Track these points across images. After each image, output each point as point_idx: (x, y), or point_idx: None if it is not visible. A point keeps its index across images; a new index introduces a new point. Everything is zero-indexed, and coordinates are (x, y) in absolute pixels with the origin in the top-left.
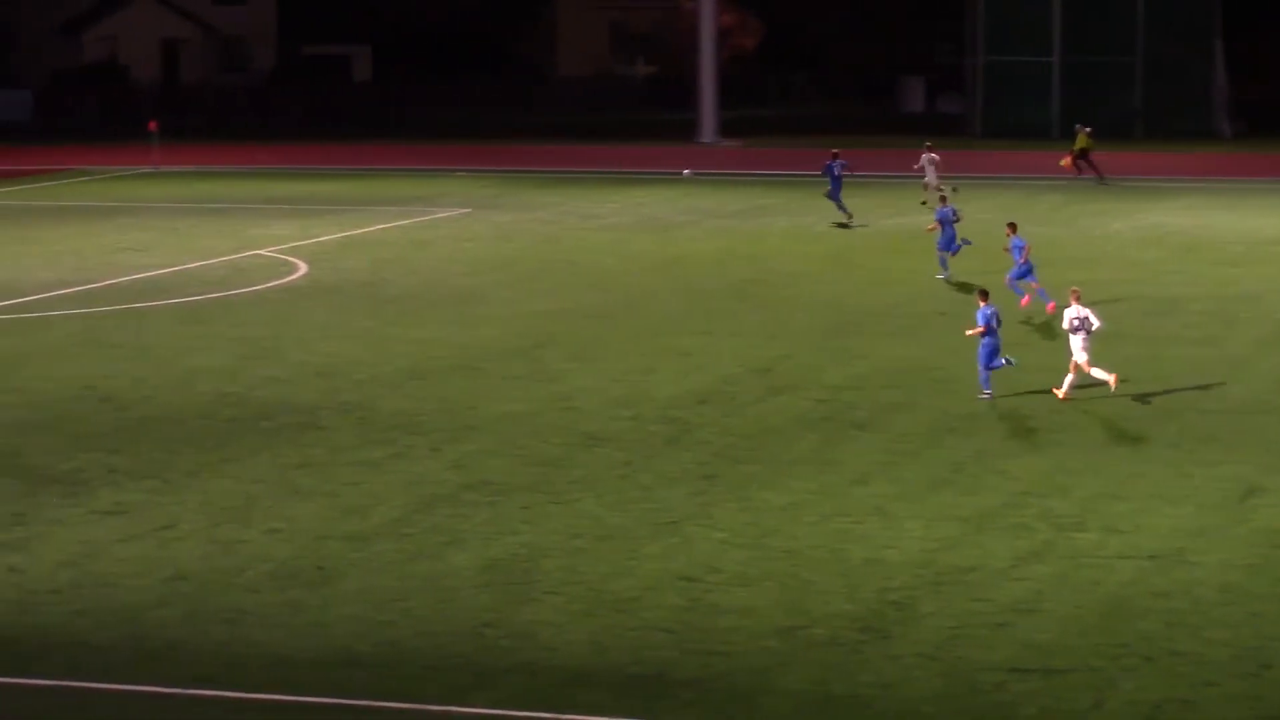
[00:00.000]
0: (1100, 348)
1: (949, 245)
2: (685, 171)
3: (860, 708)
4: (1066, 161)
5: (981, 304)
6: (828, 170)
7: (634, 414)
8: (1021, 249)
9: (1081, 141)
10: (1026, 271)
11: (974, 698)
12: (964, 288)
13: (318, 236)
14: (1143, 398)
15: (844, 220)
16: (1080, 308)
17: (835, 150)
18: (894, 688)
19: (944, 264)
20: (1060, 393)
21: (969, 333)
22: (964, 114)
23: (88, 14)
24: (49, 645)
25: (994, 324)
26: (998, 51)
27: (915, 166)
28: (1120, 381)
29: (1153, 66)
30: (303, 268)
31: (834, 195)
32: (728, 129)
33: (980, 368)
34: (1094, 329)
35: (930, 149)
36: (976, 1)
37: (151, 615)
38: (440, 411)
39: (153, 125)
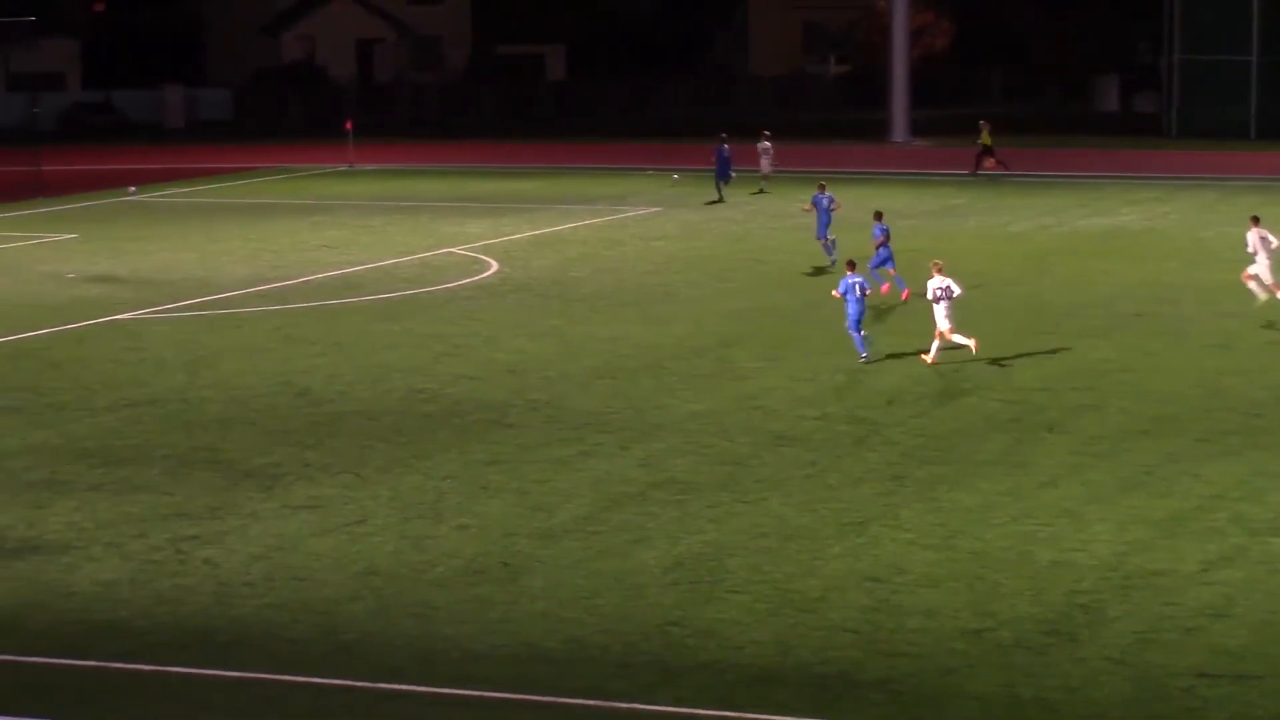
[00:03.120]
0: None
1: (824, 233)
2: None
3: (1047, 711)
4: (991, 162)
5: (848, 273)
6: (717, 153)
7: (822, 414)
8: (881, 234)
9: (985, 138)
10: (886, 259)
11: (1162, 703)
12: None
13: (509, 235)
14: None
15: (717, 199)
16: (942, 278)
17: (723, 134)
18: (1081, 691)
19: (828, 250)
20: (928, 358)
21: (834, 293)
22: (1159, 113)
23: (286, 14)
24: (244, 638)
25: (855, 294)
26: (1194, 50)
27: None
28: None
29: None
30: (494, 266)
31: (719, 175)
32: (920, 128)
33: (853, 334)
34: (955, 296)
35: (766, 137)
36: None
37: (343, 609)
38: (628, 409)
39: (349, 124)
